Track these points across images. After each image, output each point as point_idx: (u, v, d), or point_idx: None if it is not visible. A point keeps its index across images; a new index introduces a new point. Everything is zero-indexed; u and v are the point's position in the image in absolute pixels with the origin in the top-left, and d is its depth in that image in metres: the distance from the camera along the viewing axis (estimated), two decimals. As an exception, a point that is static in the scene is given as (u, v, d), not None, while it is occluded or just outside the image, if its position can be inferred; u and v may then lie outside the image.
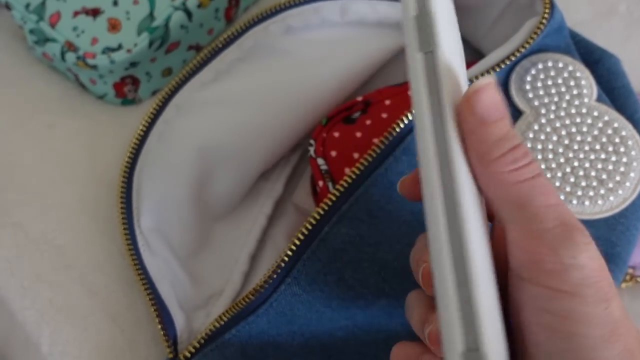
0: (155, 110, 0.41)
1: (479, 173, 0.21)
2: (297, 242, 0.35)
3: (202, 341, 0.36)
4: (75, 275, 0.41)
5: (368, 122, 0.41)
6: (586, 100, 0.39)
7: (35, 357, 0.41)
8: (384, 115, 0.41)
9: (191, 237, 0.40)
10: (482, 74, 0.38)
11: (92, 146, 0.46)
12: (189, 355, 0.35)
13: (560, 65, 0.39)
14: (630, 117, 0.39)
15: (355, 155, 0.39)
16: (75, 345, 0.39)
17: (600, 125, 0.38)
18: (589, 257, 0.20)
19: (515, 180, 0.21)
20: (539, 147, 0.38)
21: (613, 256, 0.36)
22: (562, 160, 0.38)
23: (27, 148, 0.45)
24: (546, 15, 0.38)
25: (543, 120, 0.39)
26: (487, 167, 0.21)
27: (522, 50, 0.38)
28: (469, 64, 0.44)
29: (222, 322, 0.36)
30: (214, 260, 0.41)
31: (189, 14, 0.45)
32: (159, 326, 0.36)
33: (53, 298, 0.41)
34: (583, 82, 0.39)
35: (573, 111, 0.39)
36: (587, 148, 0.38)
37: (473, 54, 0.48)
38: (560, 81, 0.39)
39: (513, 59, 0.38)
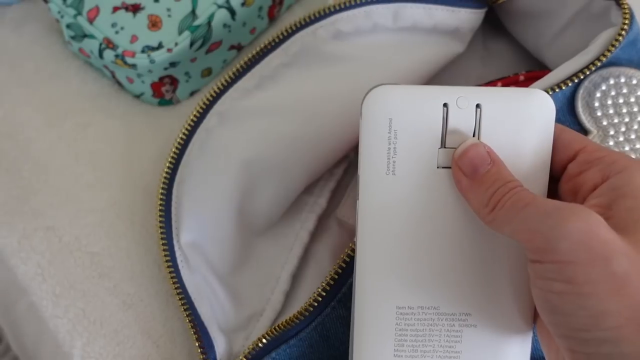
0: (195, 117, 0.39)
1: (482, 221, 0.26)
2: (343, 265, 0.34)
3: (241, 364, 0.34)
4: (110, 285, 0.40)
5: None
6: (660, 122, 0.36)
7: (66, 365, 0.40)
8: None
9: (231, 254, 0.38)
10: (553, 89, 0.35)
11: (128, 148, 0.44)
12: (228, 379, 0.34)
13: (634, 82, 0.36)
14: None
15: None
16: (108, 359, 0.38)
17: (674, 149, 0.35)
18: (573, 227, 0.22)
19: (499, 209, 0.25)
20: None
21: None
22: (631, 187, 0.35)
23: (62, 148, 0.44)
24: (625, 27, 0.35)
25: (611, 143, 0.36)
26: (482, 216, 0.26)
27: (597, 64, 0.35)
28: (531, 75, 0.41)
29: (262, 344, 0.34)
30: (254, 279, 0.39)
31: (232, 12, 0.43)
32: (199, 350, 0.35)
33: (86, 308, 0.39)
34: (658, 102, 0.36)
35: (645, 133, 0.36)
36: (658, 174, 0.35)
37: (532, 62, 0.45)
38: (632, 100, 0.36)
39: (587, 72, 0.35)
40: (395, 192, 0.28)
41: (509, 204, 0.25)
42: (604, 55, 0.35)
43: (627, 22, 0.35)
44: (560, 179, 0.28)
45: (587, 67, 0.35)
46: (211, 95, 0.40)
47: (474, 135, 0.27)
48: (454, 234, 0.28)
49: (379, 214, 0.28)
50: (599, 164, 0.26)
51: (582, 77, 0.35)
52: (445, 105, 0.27)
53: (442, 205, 0.28)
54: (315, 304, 0.33)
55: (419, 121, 0.27)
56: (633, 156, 0.35)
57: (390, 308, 0.29)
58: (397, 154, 0.28)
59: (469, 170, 0.26)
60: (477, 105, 0.27)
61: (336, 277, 0.33)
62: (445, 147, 0.28)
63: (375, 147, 0.28)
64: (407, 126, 0.27)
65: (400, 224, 0.28)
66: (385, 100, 0.27)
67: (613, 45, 0.35)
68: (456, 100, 0.27)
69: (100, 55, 0.42)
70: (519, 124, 0.27)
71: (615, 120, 0.36)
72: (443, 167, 0.28)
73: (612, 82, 0.36)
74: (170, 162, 0.39)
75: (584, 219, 0.22)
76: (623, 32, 0.35)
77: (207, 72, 0.46)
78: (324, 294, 0.33)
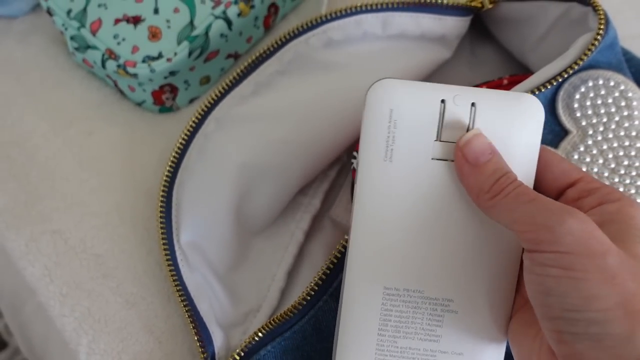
0: (194, 123, 0.41)
1: (479, 206, 0.28)
2: (335, 260, 0.35)
3: (238, 357, 0.36)
4: (114, 285, 0.42)
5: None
6: (637, 122, 0.38)
7: (73, 363, 0.41)
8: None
9: (229, 253, 0.40)
10: (533, 91, 0.37)
11: (131, 154, 0.46)
12: (226, 371, 0.36)
13: (612, 83, 0.38)
14: (683, 141, 0.37)
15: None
16: (113, 355, 0.40)
17: (651, 148, 0.37)
18: (576, 223, 0.25)
19: (502, 197, 0.27)
20: (584, 169, 0.37)
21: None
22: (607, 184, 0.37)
23: (67, 155, 0.46)
24: (601, 31, 0.37)
25: (589, 142, 0.38)
26: (481, 201, 0.28)
27: (575, 67, 0.37)
28: (514, 79, 0.43)
29: (258, 338, 0.36)
30: (251, 276, 0.41)
31: (229, 22, 0.45)
32: (198, 344, 0.36)
33: (91, 307, 0.41)
34: (634, 103, 0.38)
35: (622, 133, 0.37)
36: (634, 173, 0.37)
37: (517, 67, 0.47)
38: (610, 101, 0.38)
39: (565, 75, 0.37)
40: (390, 178, 0.30)
41: (513, 194, 0.27)
42: (581, 59, 0.37)
43: (602, 27, 0.37)
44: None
45: (565, 70, 0.37)
46: (209, 102, 0.42)
47: (468, 131, 0.29)
48: (443, 223, 0.30)
49: (374, 197, 0.30)
50: (596, 193, 0.28)
51: (560, 79, 0.37)
52: (443, 101, 0.29)
53: (434, 194, 0.29)
54: (309, 298, 0.35)
55: (417, 114, 0.29)
56: (610, 155, 0.37)
57: (377, 288, 0.30)
58: (395, 142, 0.29)
59: (472, 158, 0.28)
60: (472, 104, 0.29)
61: (328, 272, 0.35)
62: (440, 140, 0.29)
63: (375, 134, 0.29)
64: (406, 118, 0.29)
65: (393, 208, 0.30)
66: (388, 92, 0.29)
67: (590, 49, 0.37)
68: (453, 98, 0.29)
69: (103, 65, 0.44)
70: (510, 125, 0.29)
71: (594, 121, 0.38)
72: (437, 159, 0.29)
73: (590, 84, 0.38)
74: (170, 166, 0.40)
75: (584, 220, 0.25)
76: (599, 37, 0.37)
77: (206, 80, 0.48)
78: (317, 288, 0.35)
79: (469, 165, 0.28)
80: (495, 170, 0.28)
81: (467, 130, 0.29)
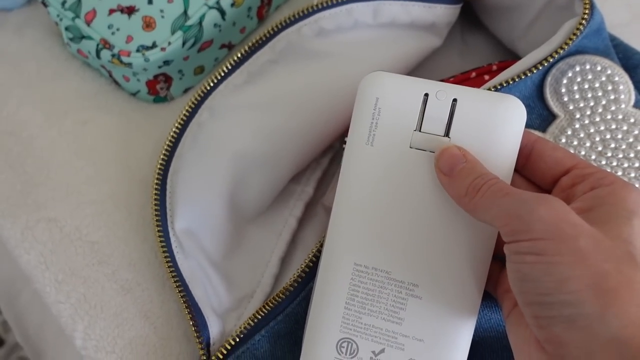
0: (188, 112, 0.42)
1: (465, 210, 0.29)
2: None
3: (233, 343, 0.36)
4: (109, 271, 0.42)
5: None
6: (623, 106, 0.38)
7: (68, 350, 0.42)
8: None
9: (223, 240, 0.41)
10: (519, 76, 0.37)
11: (125, 143, 0.46)
12: (221, 356, 0.36)
13: (599, 68, 0.39)
14: (669, 124, 0.38)
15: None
16: (108, 341, 0.40)
17: (636, 132, 0.37)
18: (545, 209, 0.26)
19: (480, 197, 0.28)
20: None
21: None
22: (596, 167, 0.37)
23: (62, 144, 0.46)
24: (586, 16, 0.38)
25: (577, 125, 0.38)
26: (464, 205, 0.29)
27: (560, 51, 0.38)
28: (503, 65, 0.43)
29: (253, 323, 0.36)
30: (245, 263, 0.41)
31: (222, 12, 0.45)
32: (193, 329, 0.37)
33: (87, 293, 0.42)
34: (621, 87, 0.38)
35: (609, 117, 0.38)
36: (620, 156, 0.37)
37: (507, 55, 0.48)
38: (597, 85, 0.38)
39: (551, 60, 0.38)
40: (370, 161, 0.31)
41: (489, 193, 0.28)
42: (567, 43, 0.37)
43: (587, 12, 0.37)
44: (551, 190, 0.32)
45: (551, 55, 0.37)
46: (202, 92, 0.42)
47: (447, 126, 0.31)
48: (415, 210, 0.31)
49: (354, 177, 0.32)
50: (589, 178, 0.29)
51: (546, 64, 0.37)
52: (426, 95, 0.31)
53: (409, 181, 0.31)
54: (300, 280, 0.36)
55: (401, 105, 0.31)
56: (597, 138, 0.38)
57: (348, 263, 0.32)
58: (377, 128, 0.31)
59: (447, 169, 0.30)
60: (454, 100, 0.30)
61: (319, 254, 0.36)
62: (420, 131, 0.31)
63: (361, 119, 0.31)
64: (390, 107, 0.31)
65: (370, 189, 0.31)
66: (377, 82, 0.31)
67: (575, 34, 0.37)
68: (436, 93, 0.31)
69: (98, 55, 0.45)
70: (489, 123, 0.30)
71: (581, 105, 0.38)
72: (415, 149, 0.31)
73: (578, 69, 0.39)
74: (164, 154, 0.41)
75: (555, 205, 0.26)
76: (583, 22, 0.37)
77: (200, 70, 0.49)
78: (307, 270, 0.36)
79: (446, 177, 0.30)
80: (469, 174, 0.29)
81: (447, 124, 0.30)
